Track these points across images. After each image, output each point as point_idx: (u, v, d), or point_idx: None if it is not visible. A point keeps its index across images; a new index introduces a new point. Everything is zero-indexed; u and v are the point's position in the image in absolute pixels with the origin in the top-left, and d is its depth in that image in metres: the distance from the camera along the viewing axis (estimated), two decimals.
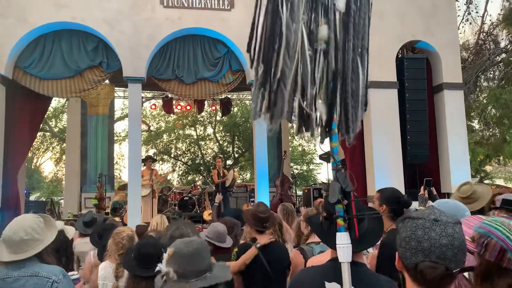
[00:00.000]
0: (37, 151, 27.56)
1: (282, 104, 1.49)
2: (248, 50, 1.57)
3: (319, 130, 1.56)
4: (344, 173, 1.59)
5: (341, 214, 1.58)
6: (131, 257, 2.65)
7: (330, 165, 12.31)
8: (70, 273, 2.40)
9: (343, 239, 1.57)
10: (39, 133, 20.69)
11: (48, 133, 25.43)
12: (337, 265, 1.71)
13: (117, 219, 7.51)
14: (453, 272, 1.21)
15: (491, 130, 15.69)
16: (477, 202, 3.36)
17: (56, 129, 24.99)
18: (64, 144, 18.38)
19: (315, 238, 3.37)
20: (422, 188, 6.55)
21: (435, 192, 6.85)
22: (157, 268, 1.80)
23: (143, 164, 9.52)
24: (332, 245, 1.82)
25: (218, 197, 6.70)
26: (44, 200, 20.48)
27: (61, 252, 2.82)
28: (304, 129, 1.57)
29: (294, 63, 1.48)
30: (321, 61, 1.51)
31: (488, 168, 22.04)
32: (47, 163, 30.11)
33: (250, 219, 3.45)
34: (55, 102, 22.72)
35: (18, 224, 2.29)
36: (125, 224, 8.24)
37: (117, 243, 3.31)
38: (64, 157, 20.45)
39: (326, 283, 1.72)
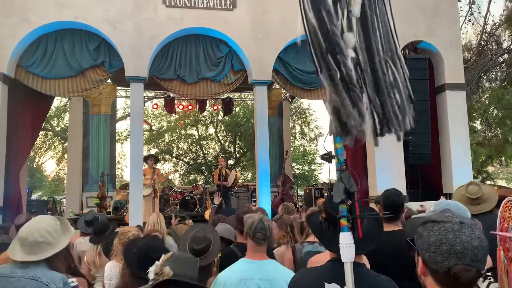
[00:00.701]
0: (39, 150, 27.61)
1: (362, 105, 1.49)
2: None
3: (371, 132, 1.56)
4: (348, 174, 1.60)
5: (345, 214, 1.58)
6: (134, 255, 2.60)
7: (331, 165, 12.30)
8: (69, 280, 2.40)
9: (346, 239, 1.57)
10: (41, 132, 20.73)
11: (50, 132, 25.48)
12: (336, 266, 1.71)
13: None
14: (481, 274, 1.22)
15: (493, 131, 15.67)
16: (485, 203, 3.33)
17: (58, 128, 25.03)
18: (66, 143, 18.40)
19: (312, 238, 3.37)
20: None
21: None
22: (151, 268, 1.80)
23: (145, 162, 9.53)
24: (330, 247, 1.81)
25: (217, 199, 6.62)
26: (45, 199, 20.53)
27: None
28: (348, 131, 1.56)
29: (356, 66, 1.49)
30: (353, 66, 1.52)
31: (490, 169, 22.00)
32: (49, 162, 30.21)
33: (234, 220, 3.44)
34: (57, 101, 22.78)
35: (34, 225, 2.31)
36: (126, 224, 8.26)
37: (123, 243, 3.30)
38: (66, 156, 20.51)
39: (326, 284, 1.72)
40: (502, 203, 2.24)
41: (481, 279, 1.95)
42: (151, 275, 1.80)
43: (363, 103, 1.49)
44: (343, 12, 1.51)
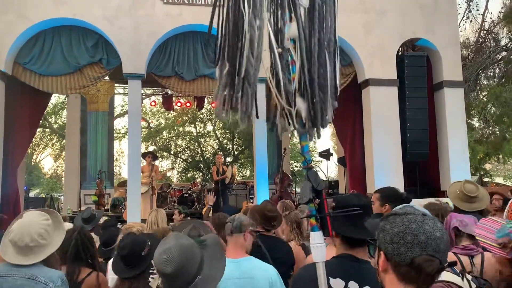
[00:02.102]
0: (36, 148, 27.54)
1: (248, 102, 1.47)
2: (214, 51, 1.57)
3: (299, 126, 1.54)
4: (315, 172, 1.56)
5: (314, 213, 1.55)
6: (118, 258, 2.59)
7: (329, 162, 12.32)
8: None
9: (316, 239, 1.54)
10: (38, 130, 20.66)
11: (48, 130, 25.41)
12: (342, 261, 1.70)
13: None
14: (443, 266, 1.21)
15: (491, 128, 15.70)
16: (480, 202, 3.39)
17: (55, 126, 24.97)
18: (64, 141, 18.37)
19: None
20: None
21: None
22: (152, 279, 1.72)
23: (143, 159, 9.52)
24: (340, 231, 1.79)
25: (211, 199, 6.49)
26: (43, 196, 20.49)
27: (85, 251, 2.81)
28: (286, 126, 1.55)
29: (259, 61, 1.46)
30: (297, 58, 1.49)
31: (487, 166, 22.08)
32: (47, 160, 30.16)
33: (258, 217, 3.41)
34: (55, 99, 22.71)
35: (25, 228, 2.23)
36: (124, 221, 8.25)
37: None
38: (63, 153, 20.47)
39: (331, 279, 1.72)
40: (509, 204, 2.25)
41: (459, 279, 1.95)
42: (154, 285, 1.75)
43: (250, 100, 1.48)
44: (289, 1, 1.48)
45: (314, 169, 1.57)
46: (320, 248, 1.53)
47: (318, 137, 1.59)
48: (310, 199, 1.52)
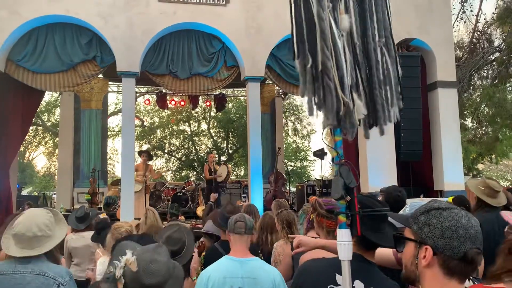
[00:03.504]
0: (29, 146, 27.35)
1: (332, 97, 1.40)
2: (295, 45, 1.51)
3: (359, 123, 1.50)
4: (347, 168, 1.53)
5: (343, 210, 1.55)
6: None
7: (323, 162, 12.34)
8: None
9: (344, 236, 1.53)
10: (31, 127, 20.51)
11: (41, 127, 25.24)
12: (351, 260, 1.70)
13: None
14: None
15: (484, 128, 15.78)
16: (502, 197, 3.39)
17: (49, 124, 24.79)
18: (57, 139, 18.25)
19: (310, 234, 3.37)
20: None
21: None
22: (111, 269, 1.63)
23: (139, 156, 9.48)
24: (373, 238, 1.76)
25: (213, 196, 6.65)
26: (36, 194, 20.37)
27: None
28: (339, 122, 1.47)
29: (333, 53, 1.41)
30: (349, 52, 1.46)
31: (480, 166, 22.20)
32: (40, 158, 29.97)
33: (217, 219, 3.39)
34: (48, 96, 22.58)
35: (31, 220, 2.25)
36: (118, 219, 8.22)
37: (115, 238, 3.29)
38: (57, 151, 20.34)
39: (337, 275, 1.71)
40: None
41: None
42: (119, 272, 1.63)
43: (334, 95, 1.40)
44: None
45: (346, 166, 1.54)
46: (347, 246, 1.52)
47: (381, 133, 1.57)
48: (342, 195, 1.51)
